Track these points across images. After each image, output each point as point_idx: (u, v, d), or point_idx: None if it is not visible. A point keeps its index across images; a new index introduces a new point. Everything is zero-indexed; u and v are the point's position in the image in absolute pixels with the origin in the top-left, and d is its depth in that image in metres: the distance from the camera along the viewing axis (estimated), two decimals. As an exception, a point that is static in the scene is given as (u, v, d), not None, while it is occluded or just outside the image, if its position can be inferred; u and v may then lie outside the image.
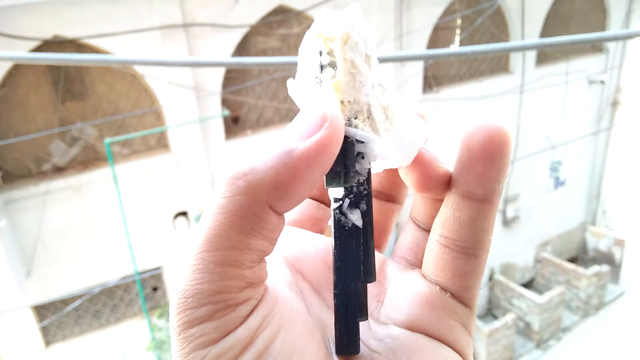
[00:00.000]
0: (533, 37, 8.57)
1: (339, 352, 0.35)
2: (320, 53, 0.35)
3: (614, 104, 10.60)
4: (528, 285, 10.40)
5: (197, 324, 0.29)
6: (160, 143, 6.32)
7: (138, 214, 6.11)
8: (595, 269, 9.68)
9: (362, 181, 0.35)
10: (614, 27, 9.68)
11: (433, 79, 8.08)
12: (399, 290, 0.38)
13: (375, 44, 0.37)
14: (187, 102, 6.01)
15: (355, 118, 0.34)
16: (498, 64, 8.74)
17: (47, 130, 5.58)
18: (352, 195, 0.35)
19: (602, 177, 11.30)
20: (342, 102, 0.34)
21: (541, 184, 10.10)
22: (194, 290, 0.30)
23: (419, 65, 7.60)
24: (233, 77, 6.46)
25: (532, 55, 8.77)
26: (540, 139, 9.49)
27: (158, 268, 6.55)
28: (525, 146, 9.17)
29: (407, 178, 0.38)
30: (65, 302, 6.07)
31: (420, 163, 0.37)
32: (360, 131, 0.34)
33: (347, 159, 0.34)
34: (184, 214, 6.49)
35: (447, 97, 8.09)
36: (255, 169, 0.30)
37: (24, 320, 6.00)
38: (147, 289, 6.75)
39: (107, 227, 6.06)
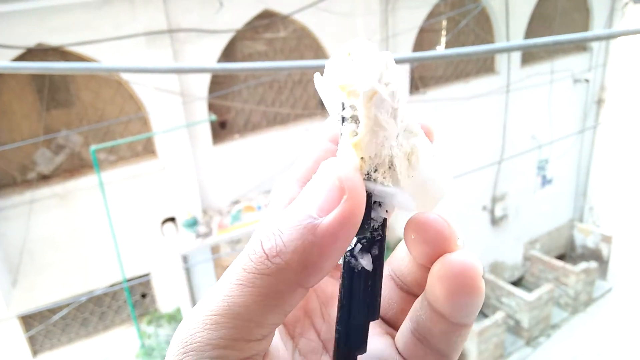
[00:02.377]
0: (518, 37, 8.63)
1: None
2: (343, 105, 0.34)
3: (599, 102, 10.70)
4: (517, 283, 10.47)
5: None
6: (147, 149, 6.30)
7: (125, 220, 6.07)
8: (583, 265, 9.77)
9: (377, 227, 0.35)
10: (597, 26, 9.77)
11: (420, 81, 8.11)
12: (371, 355, 0.39)
13: (405, 90, 0.36)
14: (174, 107, 5.98)
15: (375, 171, 0.34)
16: (484, 65, 8.79)
17: (32, 138, 5.53)
18: (364, 240, 0.35)
19: (589, 175, 11.40)
20: (362, 158, 0.33)
21: (528, 182, 10.17)
22: (197, 346, 0.30)
23: (406, 67, 7.62)
24: (220, 82, 6.44)
25: (517, 55, 8.83)
26: (526, 138, 9.56)
27: (146, 275, 6.52)
28: (512, 146, 9.24)
29: (416, 247, 0.36)
30: (52, 311, 6.03)
31: (438, 238, 0.35)
32: (380, 186, 0.34)
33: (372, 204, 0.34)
34: (172, 219, 6.47)
35: (434, 98, 8.12)
36: (282, 252, 0.30)
37: (10, 330, 5.95)
38: (136, 296, 6.72)
39: (94, 234, 6.03)
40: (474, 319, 0.35)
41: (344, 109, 0.34)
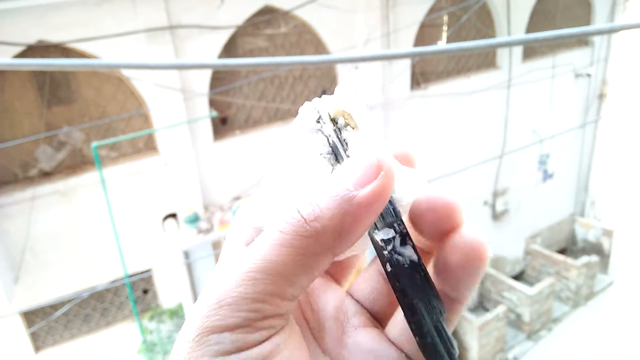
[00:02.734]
0: (519, 32, 8.60)
1: None
2: (334, 121, 0.39)
3: (601, 96, 10.68)
4: (518, 277, 10.49)
5: (219, 332, 0.32)
6: (149, 145, 6.30)
7: (127, 217, 6.09)
8: (584, 259, 9.78)
9: (402, 220, 0.37)
10: (599, 21, 9.73)
11: (421, 76, 8.10)
12: (362, 348, 0.40)
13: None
14: (175, 104, 5.98)
15: None
16: (485, 60, 8.77)
17: (34, 135, 5.54)
18: (399, 234, 0.36)
19: (590, 169, 11.40)
20: None
21: (530, 177, 10.17)
22: (234, 300, 0.32)
23: (407, 63, 7.61)
24: (220, 78, 6.44)
25: (518, 50, 8.80)
26: (528, 132, 9.55)
27: (148, 270, 6.54)
28: (513, 140, 9.23)
29: (428, 224, 0.38)
30: (54, 307, 6.05)
31: (450, 213, 0.37)
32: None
33: (391, 200, 0.37)
34: (174, 215, 6.48)
35: (435, 93, 8.11)
36: (320, 217, 0.32)
37: (13, 326, 5.97)
38: (138, 292, 6.74)
39: (96, 231, 6.04)
40: (469, 296, 0.38)
41: (337, 123, 0.39)
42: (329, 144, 0.39)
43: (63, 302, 5.96)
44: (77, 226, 5.97)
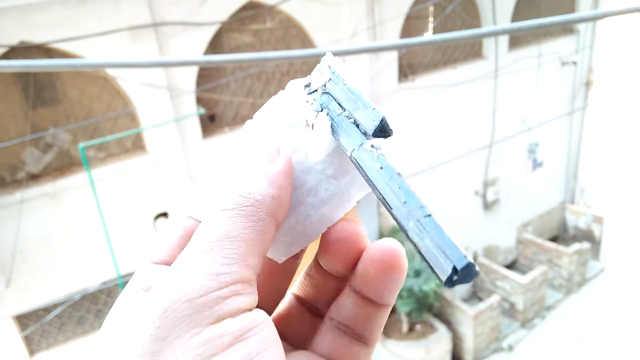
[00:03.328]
0: (504, 21, 8.63)
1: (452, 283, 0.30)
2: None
3: (587, 84, 10.74)
4: (511, 266, 10.55)
5: (189, 300, 0.31)
6: (137, 145, 6.27)
7: (118, 217, 6.06)
8: (576, 246, 9.85)
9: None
10: (583, 8, 9.79)
11: (408, 68, 8.11)
12: None
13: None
14: (162, 102, 5.95)
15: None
16: (472, 50, 8.80)
17: (20, 138, 5.49)
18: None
19: (579, 156, 11.47)
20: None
21: (519, 166, 10.22)
22: (200, 267, 0.32)
23: (394, 55, 7.61)
24: (207, 75, 6.41)
25: (504, 39, 8.83)
26: (516, 121, 9.60)
27: (141, 271, 6.50)
28: (502, 130, 9.27)
29: (336, 255, 0.41)
30: (47, 310, 6.01)
31: (357, 241, 0.41)
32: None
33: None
34: (165, 214, 6.46)
35: (422, 85, 8.13)
36: (255, 190, 0.36)
37: (6, 330, 5.93)
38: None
39: (86, 232, 6.01)
40: (395, 298, 0.41)
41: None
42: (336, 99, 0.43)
43: (56, 304, 5.93)
44: (67, 228, 5.93)
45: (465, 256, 0.29)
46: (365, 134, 0.39)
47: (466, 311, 8.36)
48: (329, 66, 0.45)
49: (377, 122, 0.39)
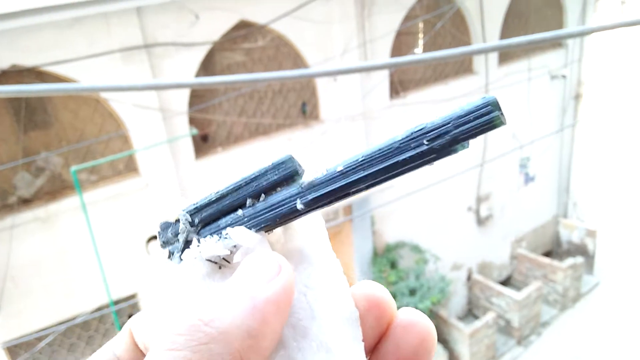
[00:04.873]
0: (494, 36, 8.71)
1: None
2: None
3: (577, 97, 10.84)
4: (506, 282, 10.53)
5: None
6: (129, 167, 6.21)
7: (110, 241, 5.97)
8: (570, 261, 9.85)
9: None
10: (571, 22, 9.91)
11: (399, 84, 8.14)
12: None
13: None
14: (154, 123, 5.91)
15: None
16: (462, 66, 8.86)
17: (11, 162, 5.42)
18: None
19: (570, 170, 11.53)
20: None
21: (511, 180, 10.25)
22: None
23: (385, 72, 7.64)
24: (199, 95, 6.39)
25: (494, 54, 8.91)
26: (507, 136, 9.64)
27: (133, 295, 6.41)
28: (493, 145, 9.31)
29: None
30: (39, 338, 5.89)
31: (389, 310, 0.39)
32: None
33: None
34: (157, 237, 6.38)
35: (414, 101, 8.15)
36: (220, 316, 0.27)
37: (-3, 359, 5.80)
38: (123, 318, 6.60)
39: (78, 257, 5.91)
40: None
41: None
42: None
43: (48, 333, 5.81)
44: (59, 253, 5.84)
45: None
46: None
47: (462, 329, 8.30)
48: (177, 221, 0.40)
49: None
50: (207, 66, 6.35)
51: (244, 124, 6.90)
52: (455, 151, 0.32)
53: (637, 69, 17.32)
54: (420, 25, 8.26)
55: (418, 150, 0.32)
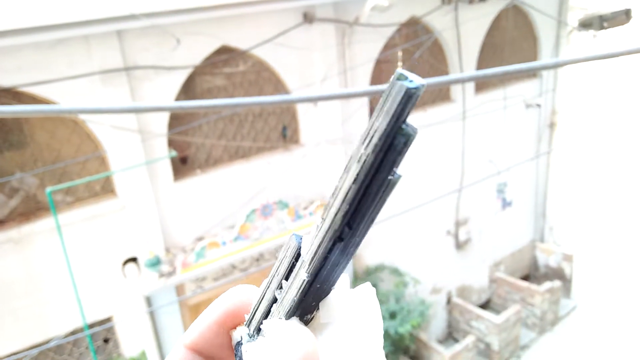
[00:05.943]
0: (470, 66, 8.92)
1: None
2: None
3: (551, 125, 11.09)
4: (485, 305, 10.57)
5: None
6: (106, 188, 6.16)
7: (85, 263, 5.89)
8: (547, 285, 9.95)
9: None
10: (545, 52, 10.21)
11: (379, 110, 8.25)
12: None
13: None
14: (132, 145, 5.90)
15: None
16: (440, 94, 9.03)
17: (-16, 182, 5.35)
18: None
19: (547, 196, 11.72)
20: None
21: (489, 205, 10.38)
22: None
23: (365, 98, 7.76)
24: (179, 117, 6.41)
25: (471, 83, 9.11)
26: (485, 162, 9.80)
27: (109, 319, 6.30)
28: (471, 170, 9.44)
29: None
30: (9, 362, 5.73)
31: None
32: None
33: None
34: (134, 259, 6.30)
35: (393, 127, 8.25)
36: None
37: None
38: (98, 341, 6.47)
39: (52, 279, 5.81)
40: None
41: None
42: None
43: (19, 357, 5.66)
44: (32, 275, 5.72)
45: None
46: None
47: (442, 353, 8.28)
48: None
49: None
50: (187, 89, 6.39)
51: (224, 146, 6.92)
52: (403, 140, 0.32)
53: (608, 98, 17.83)
54: (400, 54, 8.43)
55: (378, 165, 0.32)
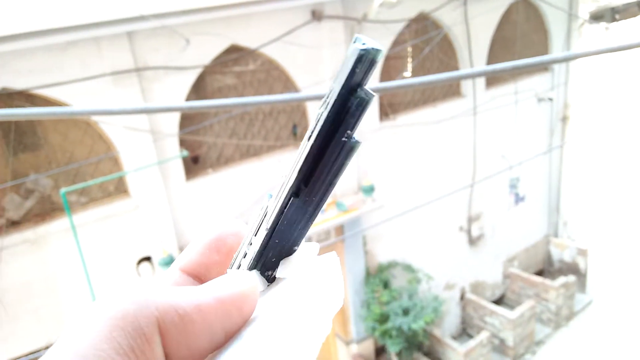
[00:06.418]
0: (481, 61, 8.87)
1: None
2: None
3: (564, 119, 10.99)
4: (499, 301, 10.51)
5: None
6: (119, 189, 6.23)
7: (100, 263, 5.95)
8: (562, 280, 9.86)
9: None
10: (556, 46, 10.12)
11: (389, 107, 8.25)
12: None
13: None
14: (144, 145, 5.95)
15: None
16: (450, 89, 8.99)
17: (0, 184, 5.42)
18: None
19: (560, 190, 11.62)
20: None
21: (502, 200, 10.32)
22: None
23: (375, 96, 7.74)
24: (190, 117, 6.45)
25: (481, 78, 9.06)
26: (497, 157, 9.74)
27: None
28: (483, 165, 9.39)
29: None
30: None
31: None
32: None
33: None
34: (148, 259, 6.36)
35: (404, 123, 8.25)
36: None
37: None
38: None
39: (68, 279, 5.88)
40: None
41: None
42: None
43: (37, 357, 5.74)
44: (48, 275, 5.80)
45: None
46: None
47: (456, 349, 8.26)
48: None
49: None
50: (198, 89, 6.43)
51: (235, 145, 6.95)
52: (356, 102, 0.32)
53: (620, 91, 17.64)
54: (409, 49, 8.41)
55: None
